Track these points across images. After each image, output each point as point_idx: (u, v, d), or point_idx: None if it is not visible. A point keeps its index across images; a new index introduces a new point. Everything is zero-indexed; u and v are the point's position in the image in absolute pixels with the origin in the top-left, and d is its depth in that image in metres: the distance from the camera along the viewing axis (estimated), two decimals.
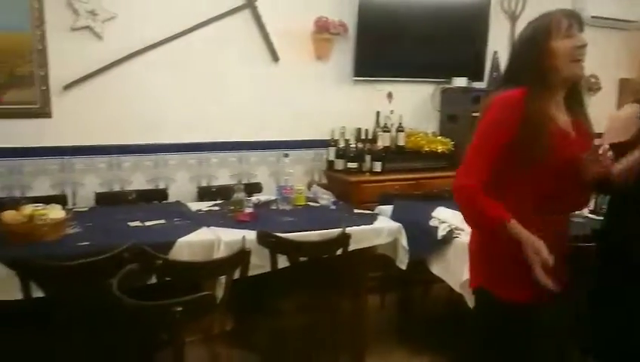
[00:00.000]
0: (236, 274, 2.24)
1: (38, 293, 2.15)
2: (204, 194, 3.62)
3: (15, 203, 2.74)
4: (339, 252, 2.54)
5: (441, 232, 2.63)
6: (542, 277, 1.46)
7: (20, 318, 2.18)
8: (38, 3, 3.19)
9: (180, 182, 3.70)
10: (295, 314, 2.51)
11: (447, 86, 4.35)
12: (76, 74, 3.34)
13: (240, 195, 2.92)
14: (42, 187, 3.35)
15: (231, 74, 3.73)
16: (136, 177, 3.59)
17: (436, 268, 2.70)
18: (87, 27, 3.33)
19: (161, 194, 3.54)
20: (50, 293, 2.12)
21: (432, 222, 2.74)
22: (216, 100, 3.70)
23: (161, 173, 3.65)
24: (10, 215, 2.37)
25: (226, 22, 3.67)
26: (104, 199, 3.38)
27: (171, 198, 3.53)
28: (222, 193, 3.47)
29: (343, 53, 4.05)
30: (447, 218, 2.70)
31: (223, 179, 3.81)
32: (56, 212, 2.45)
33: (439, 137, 4.20)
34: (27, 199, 2.93)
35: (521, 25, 4.39)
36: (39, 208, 2.40)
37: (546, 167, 1.58)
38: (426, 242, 2.70)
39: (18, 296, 2.14)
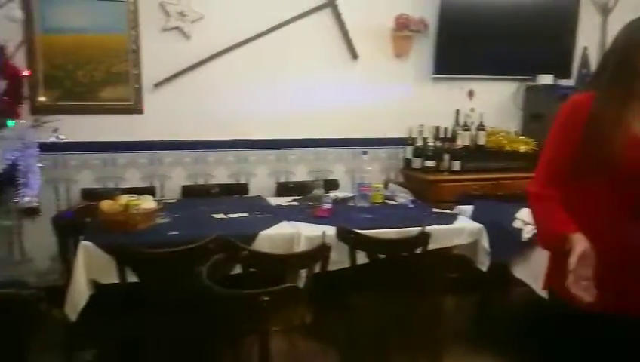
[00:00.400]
0: (316, 268, 2.28)
1: (132, 278, 2.30)
2: (282, 189, 3.70)
3: (109, 193, 2.94)
4: (418, 250, 2.52)
5: (526, 234, 2.54)
6: (576, 288, 1.36)
7: (117, 301, 2.35)
8: (134, 6, 3.40)
9: (260, 177, 3.80)
10: (372, 311, 2.52)
11: (532, 84, 4.18)
12: (166, 72, 3.52)
13: (319, 191, 2.97)
14: (133, 179, 3.56)
15: (310, 72, 3.79)
16: (219, 171, 3.73)
17: (519, 272, 2.62)
18: (177, 28, 3.50)
19: (242, 189, 3.66)
20: (144, 278, 2.25)
21: (516, 224, 2.65)
22: (295, 98, 3.77)
23: (242, 168, 3.77)
24: (107, 204, 2.54)
25: (306, 21, 3.73)
26: (189, 192, 3.55)
27: (251, 193, 3.65)
28: (299, 189, 3.53)
29: (423, 50, 4.00)
30: (532, 220, 2.60)
31: (300, 175, 3.88)
32: (148, 202, 2.60)
33: (522, 137, 4.04)
34: (120, 190, 3.12)
35: (613, 19, 4.20)
36: (133, 198, 2.56)
37: (625, 174, 1.47)
38: (509, 244, 2.62)
39: (115, 279, 2.30)
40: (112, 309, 2.39)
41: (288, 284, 1.81)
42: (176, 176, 3.65)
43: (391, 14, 3.84)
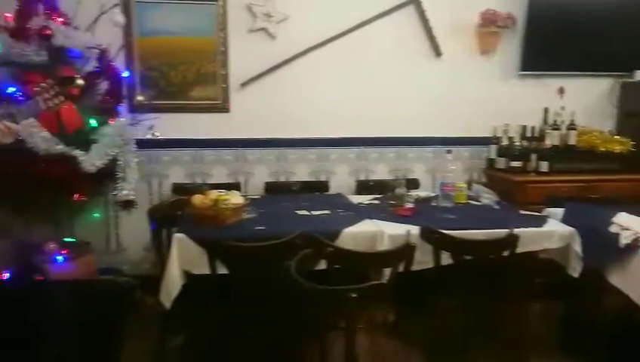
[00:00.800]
0: (400, 268, 2.27)
1: (222, 270, 2.40)
2: (362, 187, 3.72)
3: (197, 188, 3.08)
4: (505, 253, 2.45)
5: (624, 240, 2.40)
6: None
7: (207, 291, 2.46)
8: (223, 9, 3.53)
9: (340, 175, 3.84)
10: (456, 313, 2.48)
11: (628, 80, 3.93)
12: (251, 72, 3.63)
13: (401, 190, 2.95)
14: (220, 175, 3.71)
15: (392, 70, 3.77)
16: (300, 169, 3.80)
17: (615, 279, 2.48)
18: (263, 29, 3.60)
19: (322, 186, 3.71)
20: (233, 270, 2.34)
21: (613, 229, 2.51)
22: (376, 96, 3.77)
23: (322, 165, 3.82)
24: (198, 199, 2.67)
25: (388, 19, 3.72)
26: (272, 188, 3.65)
27: (332, 190, 3.69)
28: (379, 187, 3.53)
29: (510, 46, 3.87)
30: (631, 225, 2.45)
31: (380, 173, 3.88)
32: (236, 198, 2.70)
33: (617, 136, 3.81)
34: (207, 185, 3.27)
35: None
36: (223, 194, 2.67)
37: None
38: (605, 250, 2.48)
39: (206, 270, 2.40)
40: (202, 299, 2.50)
41: (375, 282, 1.82)
42: (260, 172, 3.76)
43: (476, 10, 3.75)
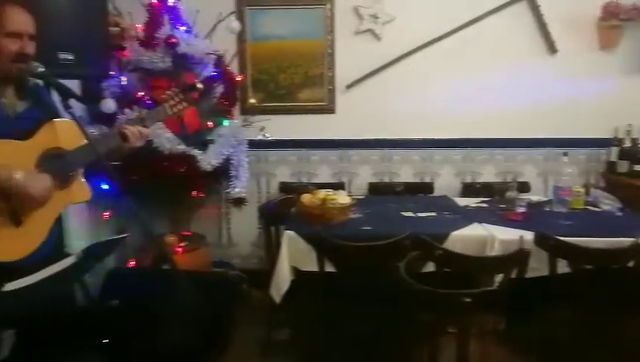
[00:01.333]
0: (513, 274, 2.20)
1: (329, 268, 2.46)
2: (468, 190, 3.62)
3: (303, 188, 3.17)
4: (630, 264, 2.27)
5: None
6: None
7: (314, 288, 2.53)
8: (330, 12, 3.60)
9: (445, 177, 3.77)
10: (572, 324, 2.34)
11: None
12: (357, 73, 3.67)
13: (512, 194, 2.84)
14: (324, 175, 3.79)
15: (501, 68, 3.63)
16: (404, 170, 3.78)
17: None
18: (369, 30, 3.63)
19: (426, 188, 3.67)
20: (341, 269, 2.40)
21: None
22: (484, 96, 3.65)
23: (427, 167, 3.78)
24: (307, 198, 2.75)
25: (497, 16, 3.59)
26: (375, 189, 3.67)
27: (436, 192, 3.63)
28: (487, 190, 3.43)
29: (633, 40, 3.58)
30: None
31: (487, 176, 3.76)
32: (343, 198, 2.75)
33: None
34: (312, 185, 3.35)
35: None
36: (330, 193, 2.73)
37: None
38: None
39: (313, 268, 2.48)
40: (309, 294, 2.58)
41: (489, 288, 1.77)
42: (363, 173, 3.79)
43: (597, 3, 3.51)
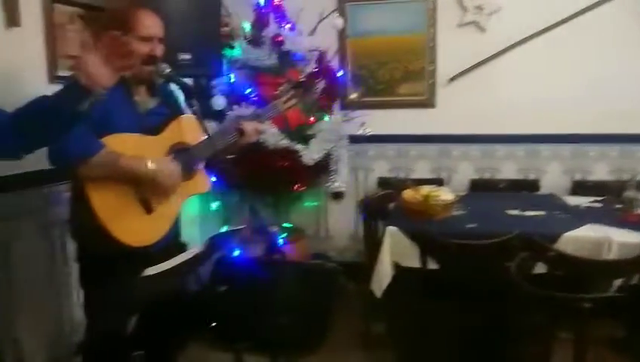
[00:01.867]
0: (635, 279, 2.06)
1: (432, 265, 2.44)
2: (578, 188, 3.42)
3: (401, 183, 3.16)
4: None
5: None
6: None
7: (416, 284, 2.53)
8: (433, 5, 3.54)
9: (552, 174, 3.58)
10: None
11: None
12: (459, 66, 3.58)
13: (630, 193, 2.65)
14: (423, 170, 3.75)
15: (612, 60, 3.38)
16: (507, 166, 3.65)
17: None
18: (473, 22, 3.52)
19: (531, 185, 3.51)
20: (445, 267, 2.37)
21: None
22: (595, 88, 3.41)
23: (532, 163, 3.61)
24: (409, 194, 2.74)
25: (609, 5, 3.35)
26: (476, 186, 3.57)
27: (542, 190, 3.47)
28: (600, 189, 3.23)
29: None
30: None
31: (600, 173, 3.53)
32: (446, 194, 2.71)
33: None
34: (410, 180, 3.32)
35: None
36: (433, 190, 2.70)
37: None
38: None
39: (415, 264, 2.47)
40: (410, 290, 2.58)
41: (611, 293, 1.68)
42: (463, 169, 3.70)
43: None
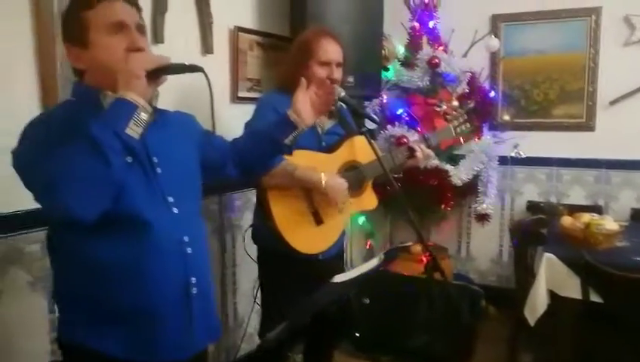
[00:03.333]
0: None
1: (593, 297, 2.31)
2: None
3: (553, 208, 3.03)
4: None
5: None
6: None
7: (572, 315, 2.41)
8: (596, 23, 3.38)
9: None
10: None
11: None
12: (623, 88, 3.36)
13: None
14: (577, 196, 3.56)
15: None
16: None
17: None
18: None
19: None
20: (609, 300, 2.24)
21: None
22: None
23: None
24: (568, 221, 2.63)
25: None
26: (639, 215, 3.31)
27: None
28: None
29: None
30: None
31: None
32: (611, 224, 2.56)
33: None
34: (563, 206, 3.17)
35: None
36: (596, 218, 2.57)
37: None
38: None
39: (574, 294, 2.36)
40: (566, 321, 2.46)
41: None
42: (625, 196, 3.45)
43: None
